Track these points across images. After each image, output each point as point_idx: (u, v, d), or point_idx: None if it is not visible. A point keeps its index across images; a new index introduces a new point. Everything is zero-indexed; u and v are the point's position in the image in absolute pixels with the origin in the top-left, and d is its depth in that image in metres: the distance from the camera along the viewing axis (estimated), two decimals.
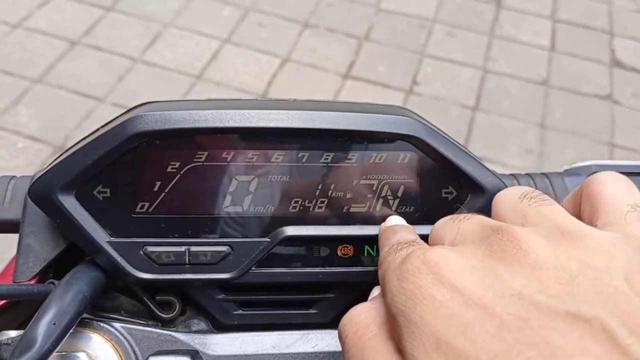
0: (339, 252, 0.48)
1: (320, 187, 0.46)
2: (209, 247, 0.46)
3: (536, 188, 0.55)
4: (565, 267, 0.28)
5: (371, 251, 0.48)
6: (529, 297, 0.27)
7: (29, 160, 1.94)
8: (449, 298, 0.28)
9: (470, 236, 0.33)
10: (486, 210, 0.47)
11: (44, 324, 0.39)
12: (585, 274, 0.27)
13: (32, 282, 0.47)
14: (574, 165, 0.59)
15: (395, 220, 0.46)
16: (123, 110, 0.47)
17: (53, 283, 0.45)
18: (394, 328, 0.30)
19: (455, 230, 0.35)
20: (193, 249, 0.46)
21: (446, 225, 0.37)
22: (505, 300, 0.27)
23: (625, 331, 0.25)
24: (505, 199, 0.37)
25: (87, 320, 0.46)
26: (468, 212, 0.39)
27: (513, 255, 0.29)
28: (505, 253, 0.29)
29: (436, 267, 0.29)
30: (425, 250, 0.31)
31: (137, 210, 0.45)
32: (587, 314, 0.25)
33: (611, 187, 0.35)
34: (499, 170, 0.55)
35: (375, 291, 0.41)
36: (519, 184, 0.56)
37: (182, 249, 0.46)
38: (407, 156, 0.46)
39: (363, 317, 0.34)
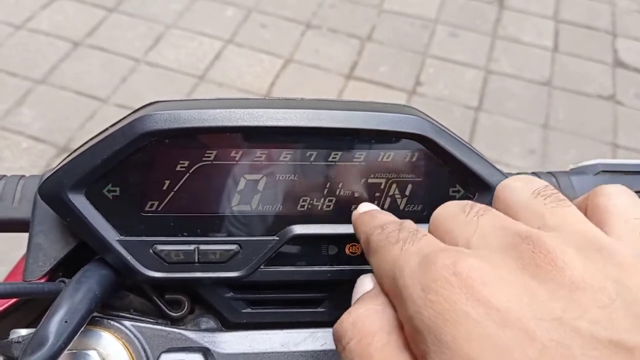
0: (347, 251, 0.48)
1: (328, 185, 0.47)
2: (218, 245, 0.47)
3: None
4: (602, 288, 0.26)
5: None
6: (570, 322, 0.25)
7: (32, 160, 1.95)
8: (485, 317, 0.25)
9: (492, 240, 0.30)
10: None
11: (55, 322, 0.39)
12: (623, 296, 0.26)
13: (42, 280, 0.48)
14: (580, 164, 0.59)
15: (368, 206, 0.43)
16: (126, 111, 0.48)
17: (63, 281, 0.45)
18: (416, 342, 0.28)
19: (473, 229, 0.32)
20: (202, 247, 0.46)
21: (458, 219, 0.34)
22: (546, 323, 0.25)
23: None
24: (516, 193, 0.35)
25: (97, 318, 0.46)
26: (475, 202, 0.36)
27: (548, 273, 0.27)
28: (540, 269, 0.27)
29: (469, 280, 0.27)
30: (452, 256, 0.28)
31: (147, 209, 0.46)
32: (629, 342, 0.24)
33: (618, 200, 0.34)
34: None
35: (365, 285, 0.36)
36: None
37: (192, 247, 0.46)
38: (414, 155, 0.47)
39: (368, 323, 0.31)
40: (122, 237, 0.46)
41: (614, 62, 2.58)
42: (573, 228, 0.30)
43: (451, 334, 0.26)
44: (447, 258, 0.28)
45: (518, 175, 0.35)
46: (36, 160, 1.95)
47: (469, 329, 0.25)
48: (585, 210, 0.35)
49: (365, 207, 0.43)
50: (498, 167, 0.48)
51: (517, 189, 0.35)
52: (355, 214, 0.42)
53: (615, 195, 0.34)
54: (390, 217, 0.39)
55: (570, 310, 0.25)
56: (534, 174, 0.58)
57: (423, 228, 0.42)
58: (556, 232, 0.30)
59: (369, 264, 0.48)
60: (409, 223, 0.36)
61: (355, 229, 0.41)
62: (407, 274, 0.30)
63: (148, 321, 0.48)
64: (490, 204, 0.47)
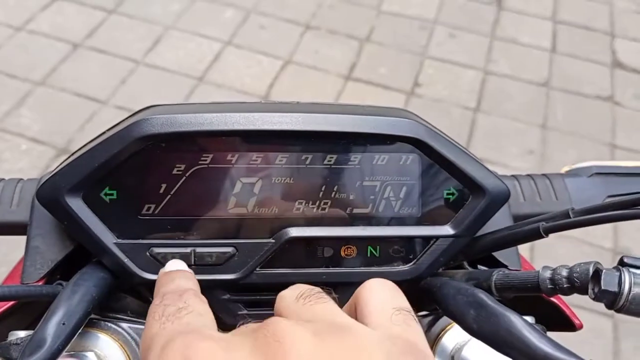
0: (342, 253, 0.49)
1: (323, 188, 0.47)
2: (214, 248, 0.47)
3: (537, 189, 0.56)
4: None
5: (374, 252, 0.49)
6: None
7: (32, 162, 1.95)
8: None
9: (245, 328, 0.33)
10: (488, 212, 0.48)
11: (53, 324, 0.40)
12: None
13: (40, 283, 0.48)
14: (574, 167, 0.60)
15: (174, 264, 0.45)
16: (126, 113, 0.48)
17: (61, 284, 0.46)
18: None
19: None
20: (198, 250, 0.47)
21: None
22: None
23: None
24: (284, 300, 0.37)
25: (94, 320, 0.46)
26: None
27: (275, 351, 0.29)
28: (269, 348, 0.29)
29: None
30: (189, 341, 0.30)
31: (144, 212, 0.46)
32: None
33: (378, 292, 0.37)
34: (500, 171, 0.56)
35: None
36: (520, 185, 0.57)
37: (188, 250, 0.47)
38: (409, 158, 0.47)
39: None
40: (119, 240, 0.46)
41: (612, 62, 2.58)
42: (321, 318, 0.33)
43: None
44: (183, 341, 0.30)
45: (293, 286, 0.38)
46: (36, 162, 1.95)
47: None
48: (354, 305, 0.37)
49: (171, 265, 0.44)
50: (497, 168, 0.49)
51: (286, 296, 0.38)
52: (160, 271, 0.44)
53: (375, 288, 0.37)
54: (178, 285, 0.40)
55: None
56: (529, 176, 0.59)
57: (419, 232, 0.43)
58: (304, 322, 0.32)
59: (363, 266, 0.49)
60: (187, 296, 0.37)
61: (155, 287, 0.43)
62: (152, 353, 0.32)
63: (145, 323, 0.49)
64: (484, 206, 0.48)
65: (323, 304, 0.35)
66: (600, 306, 0.38)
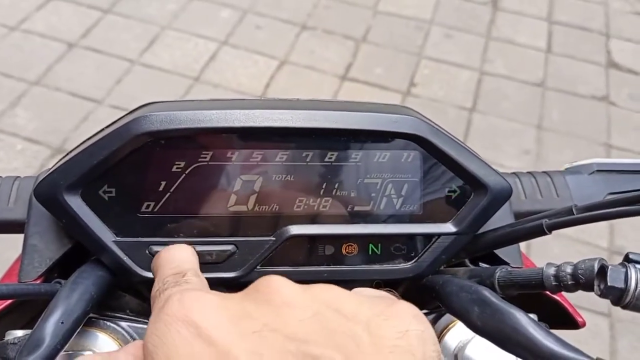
0: (343, 251, 0.48)
1: (324, 186, 0.47)
2: (215, 246, 0.47)
3: (538, 186, 0.56)
4: (307, 306, 0.31)
5: (375, 249, 0.49)
6: (266, 335, 0.29)
7: (27, 162, 1.94)
8: (193, 338, 0.30)
9: None
10: (490, 209, 0.48)
11: (51, 323, 0.39)
12: (324, 312, 0.31)
13: (38, 281, 0.47)
14: (575, 164, 0.59)
15: (174, 246, 0.45)
16: (121, 112, 0.47)
17: (59, 282, 0.45)
18: None
19: None
20: (198, 248, 0.46)
21: None
22: (246, 338, 0.29)
23: None
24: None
25: (93, 319, 0.46)
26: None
27: (265, 295, 0.32)
28: (258, 293, 0.32)
29: (189, 308, 0.31)
30: (184, 291, 0.33)
31: (143, 209, 0.46)
32: (315, 352, 0.28)
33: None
34: None
35: None
36: (521, 183, 0.57)
37: None
38: (410, 155, 0.47)
39: None
40: (118, 238, 0.46)
41: (608, 63, 2.59)
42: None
43: (164, 354, 0.30)
44: (179, 291, 0.34)
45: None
46: (31, 162, 1.94)
47: (178, 348, 0.30)
48: None
49: (166, 248, 0.44)
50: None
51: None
52: (159, 253, 0.44)
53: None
54: (184, 264, 0.41)
55: (270, 324, 0.30)
56: (529, 173, 0.59)
57: (420, 229, 0.43)
58: None
59: (364, 264, 0.49)
60: (189, 274, 0.39)
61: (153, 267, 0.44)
62: (154, 315, 0.34)
63: (144, 322, 0.48)
64: (486, 203, 0.48)
65: None
66: (597, 305, 0.38)
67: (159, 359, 0.30)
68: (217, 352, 0.29)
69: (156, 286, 0.38)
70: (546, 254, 1.82)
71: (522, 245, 1.87)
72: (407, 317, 0.31)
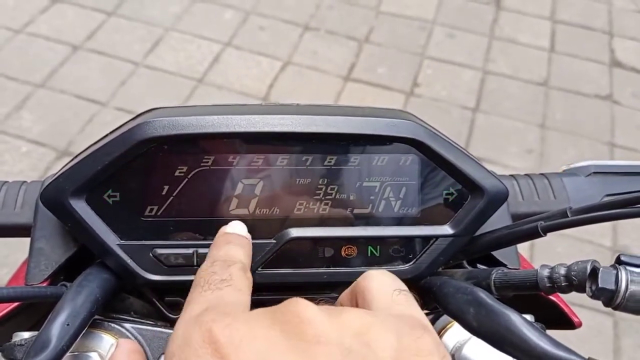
0: (343, 253, 0.49)
1: (324, 189, 0.48)
2: None
3: (535, 188, 0.57)
4: (340, 343, 0.30)
5: (374, 252, 0.50)
6: None
7: (32, 164, 1.96)
8: None
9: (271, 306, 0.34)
10: (486, 211, 0.49)
11: (57, 325, 0.40)
12: (358, 350, 0.30)
13: (44, 284, 0.48)
14: (572, 166, 0.60)
15: (237, 227, 0.46)
16: (126, 114, 0.48)
17: (65, 285, 0.46)
18: None
19: None
20: (201, 250, 0.47)
21: None
22: None
23: None
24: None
25: (98, 321, 0.47)
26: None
27: (295, 327, 0.31)
28: (288, 325, 0.31)
29: (219, 338, 0.30)
30: (214, 316, 0.32)
31: (146, 213, 0.47)
32: None
33: (377, 278, 0.39)
34: (499, 171, 0.56)
35: None
36: (519, 185, 0.57)
37: (190, 251, 0.47)
38: (408, 158, 0.48)
39: None
40: (122, 242, 0.47)
41: (611, 61, 2.59)
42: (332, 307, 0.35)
43: None
44: (210, 316, 0.32)
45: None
46: (36, 164, 1.96)
47: None
48: (355, 296, 0.39)
49: (232, 227, 0.46)
50: (496, 167, 0.49)
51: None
52: (221, 229, 0.45)
53: (375, 276, 0.39)
54: (229, 253, 0.42)
55: None
56: (527, 176, 0.59)
57: (419, 232, 0.43)
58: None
59: (363, 266, 0.49)
60: (233, 269, 0.39)
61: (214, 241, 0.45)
62: (186, 317, 0.34)
63: (148, 323, 0.49)
64: (483, 206, 0.48)
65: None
66: (601, 304, 0.39)
67: None
68: None
69: (205, 264, 0.40)
70: (549, 253, 1.83)
71: (526, 244, 1.87)
72: (435, 355, 0.31)
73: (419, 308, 0.37)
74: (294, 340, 0.30)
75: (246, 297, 0.38)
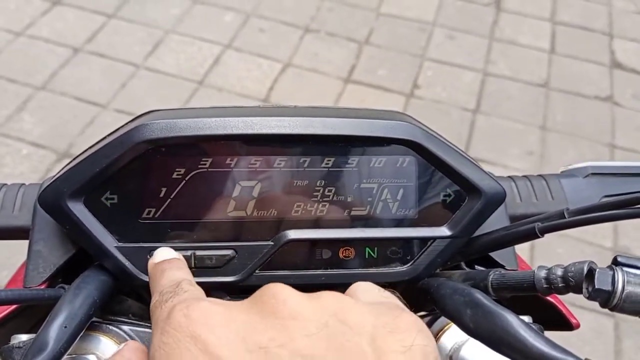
0: (340, 255, 0.49)
1: (321, 191, 0.48)
2: (214, 251, 0.48)
3: (533, 190, 0.57)
4: (315, 320, 0.31)
5: (372, 253, 0.50)
6: (272, 350, 0.29)
7: (33, 166, 1.96)
8: (201, 355, 0.29)
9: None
10: (484, 213, 0.49)
11: (55, 327, 0.40)
12: (333, 327, 0.30)
13: (42, 287, 0.49)
14: (570, 167, 0.60)
15: (162, 254, 0.46)
16: (126, 117, 0.49)
17: (63, 287, 0.46)
18: None
19: None
20: (198, 253, 0.47)
21: None
22: (253, 354, 0.29)
23: None
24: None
25: (96, 323, 0.47)
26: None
27: (271, 306, 0.32)
28: (264, 304, 0.32)
29: (196, 322, 0.31)
30: (189, 302, 0.33)
31: (144, 215, 0.47)
32: None
33: (363, 284, 0.40)
34: (499, 172, 0.56)
35: None
36: (517, 186, 0.58)
37: (188, 253, 0.47)
38: (405, 160, 0.48)
39: None
40: (120, 244, 0.47)
41: (611, 63, 2.59)
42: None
43: None
44: (184, 302, 0.33)
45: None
46: (37, 166, 1.96)
47: None
48: None
49: (160, 255, 0.45)
50: (496, 169, 0.49)
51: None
52: (150, 262, 0.45)
53: (360, 283, 0.40)
54: (177, 273, 0.42)
55: (277, 339, 0.29)
56: (525, 177, 0.59)
57: (416, 233, 0.43)
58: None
59: (361, 268, 0.49)
60: (183, 284, 0.39)
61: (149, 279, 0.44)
62: (158, 326, 0.34)
63: (146, 325, 0.49)
64: (481, 207, 0.48)
65: None
66: None
67: None
68: None
69: (155, 298, 0.39)
70: (550, 254, 1.83)
71: (527, 246, 1.87)
72: (413, 331, 0.32)
73: (401, 304, 0.37)
74: (270, 318, 0.31)
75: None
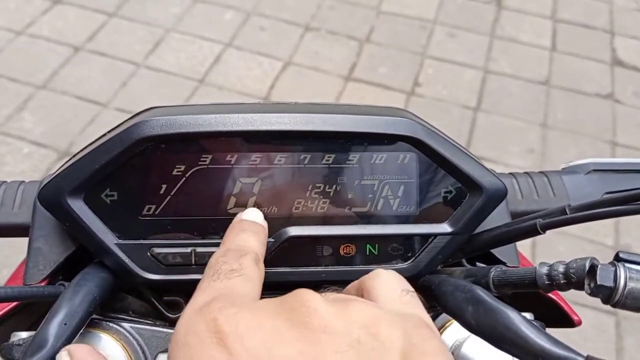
0: (341, 251, 0.49)
1: (322, 187, 0.48)
2: (214, 247, 0.47)
3: (534, 186, 0.56)
4: (346, 334, 0.29)
5: (373, 250, 0.49)
6: None
7: (34, 165, 1.96)
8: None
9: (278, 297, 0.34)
10: (485, 209, 0.48)
11: (55, 324, 0.40)
12: (364, 343, 0.29)
13: (42, 284, 0.48)
14: (571, 164, 0.60)
15: (252, 214, 0.46)
16: (127, 115, 0.48)
17: (63, 285, 0.46)
18: None
19: None
20: (199, 249, 0.47)
21: None
22: None
23: None
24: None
25: (96, 320, 0.47)
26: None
27: (300, 316, 0.30)
28: (293, 312, 0.31)
29: (224, 328, 0.30)
30: (221, 305, 0.32)
31: (144, 212, 0.47)
32: None
33: (384, 277, 0.38)
34: (500, 170, 0.56)
35: None
36: (518, 183, 0.57)
37: (188, 250, 0.47)
38: (406, 156, 0.47)
39: None
40: (120, 241, 0.47)
41: (612, 60, 2.58)
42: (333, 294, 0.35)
43: None
44: (217, 305, 0.32)
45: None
46: (37, 165, 1.96)
47: None
48: (362, 292, 0.39)
49: (250, 214, 0.45)
50: (497, 166, 0.49)
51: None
52: (238, 216, 0.45)
53: (382, 274, 0.39)
54: (242, 243, 0.42)
55: (307, 353, 0.28)
56: (526, 174, 0.59)
57: (417, 230, 0.43)
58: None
59: (362, 264, 0.49)
60: (245, 260, 0.39)
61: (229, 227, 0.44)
62: (190, 308, 0.33)
63: (146, 323, 0.49)
64: (481, 203, 0.48)
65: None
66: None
67: None
68: None
69: (219, 252, 0.39)
70: (551, 252, 1.82)
71: (528, 244, 1.86)
72: (440, 357, 0.31)
73: (424, 310, 0.36)
74: (300, 329, 0.30)
75: (256, 288, 0.37)
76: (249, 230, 0.43)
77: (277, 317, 0.30)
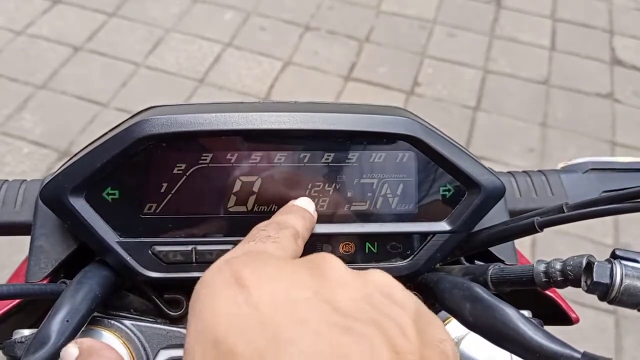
0: (341, 249, 0.50)
1: (321, 186, 0.48)
2: (215, 245, 0.48)
3: (533, 185, 0.57)
4: (360, 288, 0.31)
5: (372, 248, 0.50)
6: (315, 303, 0.29)
7: (34, 165, 1.96)
8: (242, 299, 0.30)
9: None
10: (483, 207, 0.49)
11: (57, 322, 0.41)
12: (379, 299, 0.31)
13: (44, 282, 0.49)
14: (570, 163, 0.60)
15: (303, 202, 0.47)
16: (127, 115, 0.49)
17: (65, 282, 0.46)
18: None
19: None
20: (199, 247, 0.48)
21: None
22: (295, 304, 0.29)
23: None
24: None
25: (98, 318, 0.47)
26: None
27: (321, 270, 0.32)
28: (316, 267, 0.32)
29: (242, 277, 0.31)
30: (250, 258, 0.33)
31: (145, 211, 0.47)
32: (361, 329, 0.28)
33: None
34: (500, 169, 0.57)
35: None
36: (516, 182, 0.58)
37: (189, 248, 0.48)
38: (405, 155, 0.48)
39: None
40: (121, 239, 0.47)
41: (612, 60, 2.59)
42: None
43: (211, 310, 0.30)
44: (242, 259, 0.33)
45: None
46: (37, 165, 1.96)
47: (226, 308, 0.29)
48: None
49: (302, 201, 0.47)
50: (497, 166, 0.50)
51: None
52: (291, 201, 0.47)
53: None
54: (286, 219, 0.43)
55: (322, 294, 0.30)
56: (525, 172, 0.60)
57: (416, 228, 0.43)
58: None
59: (361, 262, 0.50)
60: (284, 232, 0.40)
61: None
62: (218, 261, 0.34)
63: (148, 320, 0.50)
64: (480, 202, 0.48)
65: None
66: (603, 302, 0.39)
67: (205, 312, 0.30)
68: (259, 315, 0.28)
69: (262, 223, 0.41)
70: (551, 251, 1.83)
71: (527, 243, 1.86)
72: (446, 332, 0.32)
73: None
74: (319, 279, 0.31)
75: (288, 257, 0.38)
76: (296, 213, 0.45)
77: (299, 270, 0.32)
